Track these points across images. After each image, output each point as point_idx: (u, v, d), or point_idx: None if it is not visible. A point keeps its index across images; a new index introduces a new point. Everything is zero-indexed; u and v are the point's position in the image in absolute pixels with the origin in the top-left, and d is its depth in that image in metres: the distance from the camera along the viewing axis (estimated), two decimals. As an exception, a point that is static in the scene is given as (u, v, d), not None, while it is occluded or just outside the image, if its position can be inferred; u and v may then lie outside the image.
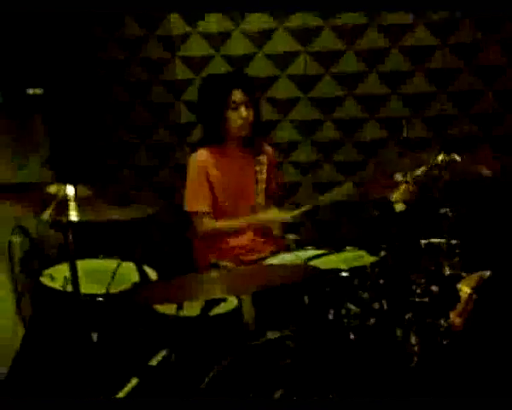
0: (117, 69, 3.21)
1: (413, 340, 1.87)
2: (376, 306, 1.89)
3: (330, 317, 1.91)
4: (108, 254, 2.27)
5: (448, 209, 2.06)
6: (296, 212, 2.42)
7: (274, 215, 2.49)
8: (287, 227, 2.56)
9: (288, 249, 2.41)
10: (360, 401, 1.59)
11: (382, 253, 2.00)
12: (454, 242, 2.01)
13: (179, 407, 1.51)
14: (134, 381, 1.64)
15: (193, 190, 2.50)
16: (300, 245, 2.39)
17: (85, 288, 1.94)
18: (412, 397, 1.71)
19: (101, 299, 1.99)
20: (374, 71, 3.10)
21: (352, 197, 2.32)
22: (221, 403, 1.51)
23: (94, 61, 3.19)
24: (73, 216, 1.75)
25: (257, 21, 3.10)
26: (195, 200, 2.49)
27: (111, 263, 2.15)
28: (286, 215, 2.45)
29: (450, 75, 3.07)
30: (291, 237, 2.50)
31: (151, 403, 1.55)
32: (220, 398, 1.54)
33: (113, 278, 2.02)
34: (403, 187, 2.11)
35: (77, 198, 1.80)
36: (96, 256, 2.28)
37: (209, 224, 2.48)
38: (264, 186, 2.58)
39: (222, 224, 2.50)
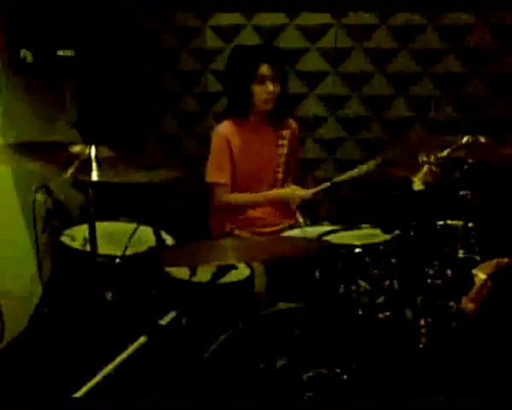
0: (148, 37, 3.22)
1: (422, 321, 1.86)
2: (387, 284, 1.88)
3: (340, 291, 1.91)
4: (128, 217, 2.31)
5: (468, 192, 2.02)
6: (314, 190, 2.42)
7: (292, 192, 2.49)
8: (303, 204, 2.55)
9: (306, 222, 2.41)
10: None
11: (396, 232, 1.98)
12: (471, 225, 1.98)
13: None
14: (143, 339, 1.67)
15: (214, 161, 2.52)
16: (313, 222, 2.38)
17: (103, 249, 1.98)
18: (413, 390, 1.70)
19: (117, 260, 2.03)
20: (405, 49, 3.03)
21: (371, 175, 2.29)
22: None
23: (126, 27, 3.21)
24: (95, 176, 1.77)
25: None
26: (216, 171, 2.51)
27: (130, 226, 2.19)
28: (304, 192, 2.44)
29: (485, 57, 2.98)
30: (300, 218, 2.50)
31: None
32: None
33: (129, 240, 2.05)
34: (426, 168, 2.08)
35: (100, 159, 1.82)
36: (116, 219, 2.32)
37: (228, 196, 2.50)
38: (284, 160, 2.58)
39: (239, 197, 2.51)
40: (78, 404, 1.47)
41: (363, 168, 2.33)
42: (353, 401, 1.56)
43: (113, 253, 2.05)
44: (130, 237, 2.05)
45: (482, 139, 2.10)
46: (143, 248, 2.08)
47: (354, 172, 2.35)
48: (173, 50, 3.23)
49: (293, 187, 2.51)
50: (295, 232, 2.28)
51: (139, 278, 2.02)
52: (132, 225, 2.18)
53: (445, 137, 2.29)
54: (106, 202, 2.07)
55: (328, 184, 2.39)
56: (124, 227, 2.24)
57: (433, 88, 3.04)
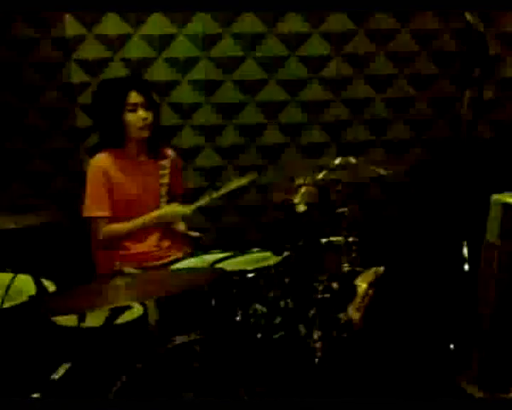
0: (8, 72, 3.05)
1: (315, 335, 1.94)
2: (282, 304, 1.94)
3: (238, 318, 1.93)
4: (2, 267, 2.13)
5: (345, 209, 2.17)
6: (193, 205, 2.44)
7: (171, 210, 2.47)
8: (190, 225, 2.56)
9: (192, 254, 2.41)
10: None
11: (286, 253, 2.06)
12: (351, 239, 2.12)
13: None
14: (35, 395, 1.55)
15: (92, 195, 2.43)
16: (204, 248, 2.39)
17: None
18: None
19: (-5, 314, 1.86)
20: (274, 78, 3.19)
21: (244, 185, 2.42)
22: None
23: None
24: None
25: (157, 26, 3.07)
26: (95, 205, 2.42)
27: (5, 276, 2.02)
28: (182, 209, 2.45)
29: (344, 83, 3.23)
30: (193, 234, 2.51)
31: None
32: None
33: (7, 291, 1.90)
34: (303, 190, 2.19)
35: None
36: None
37: (109, 228, 2.42)
38: (167, 190, 2.56)
39: (120, 226, 2.44)
40: None
41: (240, 182, 2.42)
42: None
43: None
44: (8, 288, 1.89)
45: (353, 160, 2.27)
46: (23, 298, 1.93)
47: (231, 186, 2.42)
48: (37, 85, 3.08)
49: (172, 205, 2.50)
50: (187, 263, 2.27)
51: (22, 330, 1.87)
52: (7, 275, 2.02)
53: (317, 160, 2.44)
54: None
55: (207, 198, 2.43)
56: (-3, 278, 2.06)
57: (301, 113, 3.22)
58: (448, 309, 2.36)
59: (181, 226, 2.57)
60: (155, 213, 2.47)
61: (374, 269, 2.23)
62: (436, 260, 2.86)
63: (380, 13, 3.13)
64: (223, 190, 2.42)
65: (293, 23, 3.12)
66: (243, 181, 2.44)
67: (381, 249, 2.44)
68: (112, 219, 2.44)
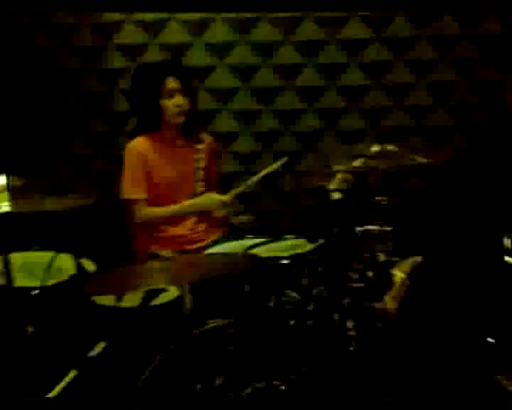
0: (49, 58, 3.11)
1: (350, 324, 1.93)
2: (315, 292, 1.93)
3: (271, 304, 1.94)
4: (44, 246, 2.19)
5: (382, 197, 2.13)
6: (232, 193, 2.44)
7: (210, 198, 2.48)
8: (237, 212, 2.56)
9: (230, 237, 2.42)
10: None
11: (320, 240, 2.05)
12: (387, 228, 2.09)
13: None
14: (72, 373, 1.60)
15: (130, 177, 2.47)
16: (239, 233, 2.40)
17: (19, 281, 1.87)
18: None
19: (35, 292, 1.92)
20: (311, 63, 3.15)
21: (277, 169, 2.41)
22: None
23: (25, 49, 3.08)
24: (6, 207, 1.69)
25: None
26: (132, 187, 2.46)
27: (46, 255, 2.09)
28: (221, 197, 2.46)
29: (383, 68, 3.17)
30: (245, 218, 2.52)
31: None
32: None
33: (48, 270, 1.95)
34: (339, 177, 2.17)
35: (10, 189, 1.74)
36: (30, 248, 2.20)
37: (146, 211, 2.46)
38: (203, 174, 2.58)
39: (158, 210, 2.48)
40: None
41: (273, 166, 2.41)
42: None
43: (30, 285, 1.94)
44: (50, 267, 1.95)
45: (392, 148, 2.23)
46: (64, 277, 1.98)
47: (265, 171, 2.41)
48: (77, 70, 3.14)
49: (211, 194, 2.50)
50: (221, 248, 2.28)
51: (62, 309, 1.92)
52: (49, 254, 2.08)
53: (354, 146, 2.41)
54: (18, 231, 1.95)
55: (244, 186, 2.43)
56: (40, 257, 2.13)
57: (340, 98, 3.18)
58: (488, 302, 2.31)
59: (221, 213, 2.55)
60: (194, 201, 2.49)
61: (411, 259, 2.20)
62: (476, 251, 2.80)
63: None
64: (257, 177, 2.42)
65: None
66: (276, 165, 2.43)
67: (419, 239, 2.40)
68: (148, 202, 2.47)
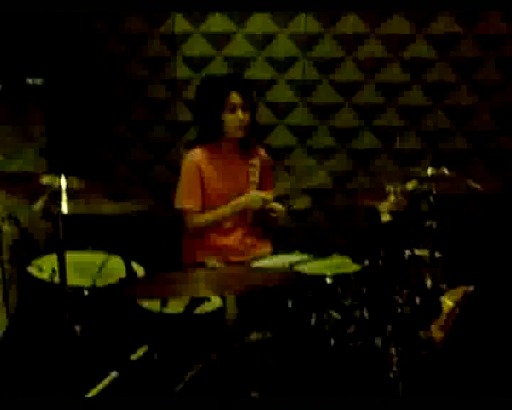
0: (118, 65, 3.23)
1: (393, 350, 1.89)
2: (358, 314, 1.91)
3: (312, 322, 1.93)
4: (97, 248, 2.28)
5: (434, 222, 2.08)
6: (275, 192, 2.47)
7: (253, 195, 2.51)
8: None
9: (274, 253, 2.43)
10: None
11: (366, 261, 2.02)
12: (437, 255, 2.03)
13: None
14: (114, 374, 1.65)
15: (185, 187, 2.52)
16: (286, 248, 2.41)
17: (72, 280, 1.95)
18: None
19: (87, 292, 2.00)
20: (371, 81, 3.12)
21: (326, 185, 2.36)
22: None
23: (95, 55, 3.21)
24: (65, 208, 1.76)
25: (260, 24, 3.12)
26: (187, 197, 2.51)
27: (99, 256, 2.17)
28: (264, 194, 2.48)
29: (446, 89, 3.10)
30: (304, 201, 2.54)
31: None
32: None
33: (100, 271, 2.03)
34: (392, 198, 2.13)
35: (69, 190, 1.81)
36: (84, 249, 2.29)
37: (197, 219, 2.51)
38: (256, 188, 2.60)
39: (207, 215, 2.52)
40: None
41: (319, 179, 2.41)
42: None
43: (82, 284, 2.02)
44: (101, 268, 2.03)
45: (446, 172, 2.17)
46: (113, 279, 2.05)
47: (312, 182, 2.44)
48: (144, 79, 3.25)
49: (255, 191, 2.54)
50: (268, 261, 2.29)
51: (110, 310, 1.99)
52: (101, 256, 2.16)
53: (410, 168, 2.36)
54: (73, 231, 2.04)
55: (288, 187, 2.45)
56: (92, 257, 2.21)
57: (398, 118, 3.13)
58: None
59: (278, 207, 2.53)
60: (238, 200, 2.51)
61: (463, 288, 2.13)
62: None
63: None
64: (304, 185, 2.44)
65: (396, 24, 3.04)
66: (320, 180, 2.44)
67: (472, 268, 2.31)
68: (201, 212, 2.52)
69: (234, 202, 2.51)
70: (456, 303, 2.07)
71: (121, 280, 2.04)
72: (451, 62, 3.06)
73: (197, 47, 3.17)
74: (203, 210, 2.52)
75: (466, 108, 3.10)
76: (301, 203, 2.62)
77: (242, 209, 2.53)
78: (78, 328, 1.88)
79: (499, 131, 3.11)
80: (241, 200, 2.52)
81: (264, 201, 2.48)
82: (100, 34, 3.19)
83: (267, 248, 2.58)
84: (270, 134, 3.22)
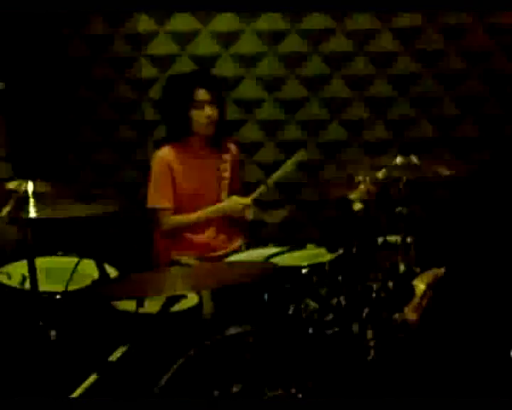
0: (82, 66, 3.19)
1: (369, 334, 1.91)
2: (334, 301, 1.93)
3: (290, 312, 1.94)
4: (68, 252, 2.24)
5: (404, 208, 2.12)
6: (253, 195, 2.47)
7: (233, 202, 2.51)
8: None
9: (249, 247, 2.44)
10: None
11: (340, 250, 2.04)
12: (409, 239, 2.07)
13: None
14: (93, 377, 1.62)
15: (156, 186, 2.51)
16: (260, 241, 2.41)
17: (43, 286, 1.91)
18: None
19: (59, 296, 1.96)
20: (337, 74, 3.15)
21: (313, 195, 2.40)
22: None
23: (58, 57, 3.16)
24: (32, 213, 1.72)
25: (225, 22, 3.11)
26: (158, 196, 2.50)
27: (70, 260, 2.13)
28: (243, 200, 2.49)
29: (411, 80, 3.15)
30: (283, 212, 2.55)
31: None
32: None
33: (72, 275, 2.00)
34: (362, 187, 2.16)
35: (36, 194, 1.78)
36: (54, 253, 2.25)
37: (171, 219, 2.50)
38: (227, 183, 2.60)
39: (182, 217, 2.51)
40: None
41: (289, 165, 2.47)
42: None
43: (54, 289, 1.98)
44: (73, 272, 2.00)
45: (414, 159, 2.21)
46: (86, 282, 2.02)
47: (283, 171, 2.46)
48: (109, 80, 3.21)
49: (233, 197, 2.53)
50: (242, 256, 2.30)
51: (84, 313, 1.96)
52: (72, 259, 2.12)
53: (379, 158, 2.40)
54: (43, 236, 2.00)
55: (264, 187, 2.47)
56: (63, 262, 2.17)
57: (364, 110, 3.17)
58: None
59: (250, 216, 2.57)
60: (217, 207, 2.52)
61: (434, 270, 2.17)
62: (499, 264, 2.73)
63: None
64: (275, 176, 2.45)
65: (361, 19, 3.08)
66: (291, 163, 2.46)
67: (442, 251, 2.36)
68: (174, 211, 2.51)
69: (212, 209, 2.51)
70: (428, 286, 2.10)
71: (94, 282, 2.01)
72: (416, 54, 3.11)
73: (162, 46, 3.15)
74: (175, 209, 2.51)
75: (431, 98, 3.16)
76: (277, 216, 2.64)
77: (221, 215, 2.53)
78: (53, 333, 1.85)
79: (463, 119, 3.18)
80: (221, 206, 2.51)
81: (245, 206, 2.48)
82: (63, 36, 3.14)
83: (241, 243, 2.58)
84: (239, 130, 3.22)
